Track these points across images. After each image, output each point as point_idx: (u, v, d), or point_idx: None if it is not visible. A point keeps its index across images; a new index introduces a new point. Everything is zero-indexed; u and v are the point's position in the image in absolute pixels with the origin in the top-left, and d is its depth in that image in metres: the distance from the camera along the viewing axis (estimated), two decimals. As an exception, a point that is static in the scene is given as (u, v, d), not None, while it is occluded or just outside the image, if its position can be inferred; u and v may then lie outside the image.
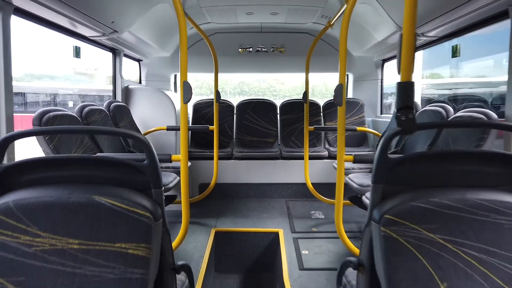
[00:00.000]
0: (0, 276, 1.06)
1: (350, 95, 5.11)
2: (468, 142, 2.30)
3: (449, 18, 2.63)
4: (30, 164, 1.18)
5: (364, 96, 4.93)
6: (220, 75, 4.03)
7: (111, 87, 3.88)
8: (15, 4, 2.11)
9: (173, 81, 5.18)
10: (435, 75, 5.67)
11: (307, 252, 2.95)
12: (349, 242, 2.47)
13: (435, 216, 1.12)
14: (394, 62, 4.24)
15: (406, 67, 1.19)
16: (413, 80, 1.19)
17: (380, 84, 4.87)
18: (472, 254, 1.10)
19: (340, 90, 2.19)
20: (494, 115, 2.26)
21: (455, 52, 2.98)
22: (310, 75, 3.93)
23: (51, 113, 2.29)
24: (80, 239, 1.09)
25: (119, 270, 1.08)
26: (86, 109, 2.76)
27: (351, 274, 1.53)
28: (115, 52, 3.79)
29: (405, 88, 1.18)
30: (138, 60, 4.70)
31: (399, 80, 1.20)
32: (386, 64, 4.76)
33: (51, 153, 2.20)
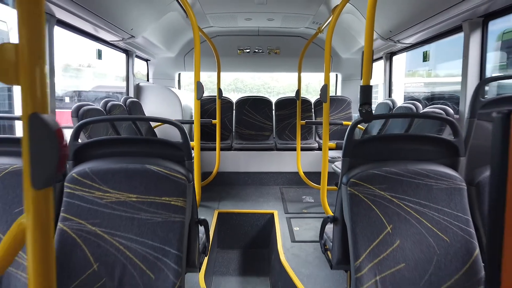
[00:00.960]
0: (81, 219, 1.52)
1: (339, 93, 5.60)
2: (432, 131, 2.80)
3: (420, 29, 3.12)
4: (99, 142, 1.64)
5: (351, 94, 5.43)
6: (214, 73, 4.48)
7: (112, 84, 4.31)
8: (57, 16, 2.55)
9: (177, 79, 5.63)
10: (417, 74, 6.18)
11: (298, 229, 3.44)
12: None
13: (385, 179, 1.61)
14: (379, 63, 4.72)
15: (366, 75, 1.67)
16: (371, 84, 1.67)
17: (365, 83, 5.37)
18: (410, 206, 1.59)
19: (324, 89, 2.68)
20: (450, 110, 2.76)
21: (425, 57, 3.48)
22: (305, 74, 4.41)
23: (84, 107, 2.74)
24: (137, 194, 1.56)
25: (164, 216, 1.55)
26: (109, 104, 3.21)
27: (329, 231, 2.02)
28: (128, 53, 4.24)
29: (365, 90, 1.66)
30: (146, 60, 5.14)
31: (361, 84, 1.68)
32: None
33: (86, 139, 2.66)
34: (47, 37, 2.48)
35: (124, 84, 4.33)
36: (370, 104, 1.65)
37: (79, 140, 1.66)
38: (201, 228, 1.92)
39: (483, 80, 1.76)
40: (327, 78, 2.76)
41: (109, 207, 1.54)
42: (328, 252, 1.97)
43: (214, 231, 3.47)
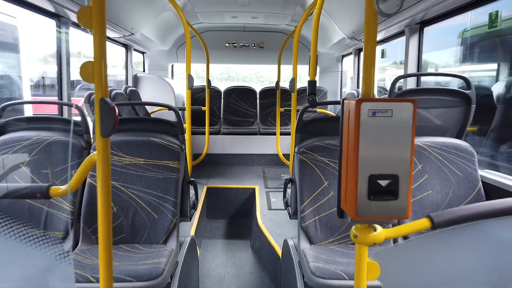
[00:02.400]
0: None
1: (318, 83, 6.20)
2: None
3: (378, 29, 3.71)
4: (124, 122, 2.22)
5: (328, 85, 6.04)
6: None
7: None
8: (72, 19, 3.09)
9: (170, 70, 6.17)
10: (387, 69, 6.80)
11: (275, 200, 4.08)
12: None
13: (325, 149, 2.22)
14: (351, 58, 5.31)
15: (312, 73, 2.27)
16: (315, 80, 2.27)
17: (340, 75, 5.98)
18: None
19: (292, 82, 3.28)
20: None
21: (383, 54, 4.09)
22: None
23: (113, 91, 3.32)
24: (144, 158, 2.15)
25: (164, 174, 2.15)
26: (113, 92, 3.76)
27: (288, 192, 2.63)
28: (127, 47, 4.77)
29: (311, 84, 2.26)
30: (143, 53, 5.66)
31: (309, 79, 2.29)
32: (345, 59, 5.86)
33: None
34: (64, 36, 3.01)
35: (116, 72, 4.86)
36: (315, 94, 2.25)
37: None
38: (192, 190, 2.53)
39: (396, 77, 2.37)
40: (294, 72, 3.36)
41: (124, 168, 2.13)
42: (289, 208, 2.59)
43: (203, 203, 4.07)
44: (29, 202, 2.04)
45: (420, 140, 2.25)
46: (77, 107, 2.43)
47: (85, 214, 2.06)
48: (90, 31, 1.18)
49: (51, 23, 3.13)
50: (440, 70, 4.31)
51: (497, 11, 2.23)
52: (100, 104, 1.16)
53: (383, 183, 1.06)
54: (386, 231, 1.11)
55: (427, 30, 3.20)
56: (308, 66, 3.33)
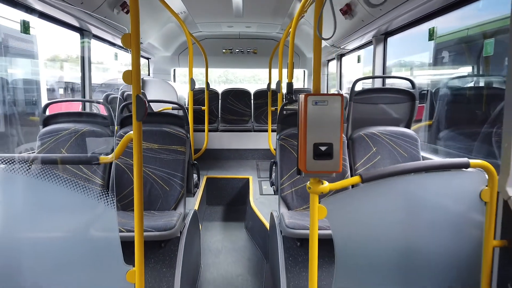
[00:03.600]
0: (127, 158, 2.71)
1: (306, 85, 6.82)
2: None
3: (349, 39, 4.33)
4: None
5: (316, 86, 6.65)
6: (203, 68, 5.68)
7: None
8: (93, 32, 3.69)
9: (173, 74, 6.78)
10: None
11: (266, 187, 4.67)
12: None
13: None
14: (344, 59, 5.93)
15: (290, 76, 2.87)
16: (292, 82, 2.87)
17: (326, 78, 6.60)
18: None
19: (278, 84, 3.89)
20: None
21: (358, 60, 4.71)
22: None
23: (110, 95, 3.90)
24: (158, 144, 2.75)
25: (173, 156, 2.75)
26: (125, 93, 4.36)
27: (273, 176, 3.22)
28: (134, 54, 5.36)
29: (289, 85, 2.86)
30: (148, 58, 6.27)
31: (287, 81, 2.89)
32: (330, 63, 6.47)
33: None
34: (87, 47, 3.62)
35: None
36: (292, 93, 2.85)
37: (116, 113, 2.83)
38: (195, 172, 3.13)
39: (355, 80, 2.98)
40: (280, 75, 3.97)
41: (143, 152, 2.72)
42: (274, 186, 3.19)
43: (203, 192, 4.66)
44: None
45: (376, 129, 2.86)
46: (104, 105, 3.03)
47: (111, 186, 2.65)
48: (129, 50, 1.79)
49: (64, 32, 3.74)
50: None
51: (433, 27, 2.84)
52: (137, 99, 1.76)
53: (323, 148, 1.65)
54: (331, 185, 1.70)
55: (391, 39, 3.81)
56: (299, 69, 3.93)
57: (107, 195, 1.60)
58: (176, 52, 6.56)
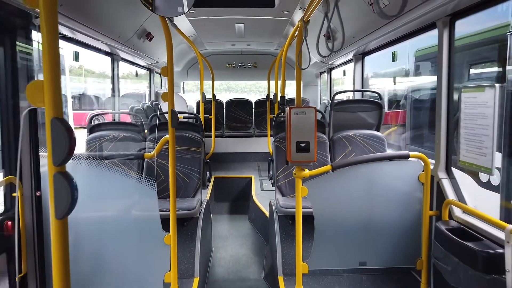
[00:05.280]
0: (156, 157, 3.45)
1: (302, 95, 7.58)
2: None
3: (336, 56, 5.09)
4: (162, 124, 3.56)
5: (310, 96, 7.42)
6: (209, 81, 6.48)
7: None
8: (121, 56, 4.46)
9: (182, 86, 7.57)
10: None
11: (266, 184, 5.41)
12: None
13: None
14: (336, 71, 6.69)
15: (283, 90, 3.63)
16: (285, 95, 3.62)
17: (319, 88, 7.37)
18: None
19: (275, 96, 4.65)
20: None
21: (344, 74, 5.48)
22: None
23: (134, 107, 4.67)
24: (179, 145, 3.50)
25: (192, 155, 3.50)
26: (145, 106, 5.13)
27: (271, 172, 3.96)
28: (150, 71, 6.16)
29: (282, 98, 3.61)
30: (161, 74, 7.07)
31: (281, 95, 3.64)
32: (323, 75, 7.24)
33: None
34: (116, 68, 4.39)
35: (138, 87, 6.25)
36: (284, 104, 3.60)
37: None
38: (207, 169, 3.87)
39: (334, 94, 3.73)
40: (276, 88, 4.73)
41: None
42: (271, 180, 3.92)
43: (211, 190, 5.38)
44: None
45: (351, 132, 3.60)
46: (134, 115, 3.79)
47: (145, 179, 3.39)
48: (165, 77, 2.56)
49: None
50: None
51: (394, 51, 3.60)
52: (172, 112, 2.50)
53: (302, 144, 2.39)
54: (310, 171, 2.43)
55: (369, 58, 4.57)
56: (293, 81, 4.68)
57: (150, 182, 2.32)
58: (185, 67, 7.36)
